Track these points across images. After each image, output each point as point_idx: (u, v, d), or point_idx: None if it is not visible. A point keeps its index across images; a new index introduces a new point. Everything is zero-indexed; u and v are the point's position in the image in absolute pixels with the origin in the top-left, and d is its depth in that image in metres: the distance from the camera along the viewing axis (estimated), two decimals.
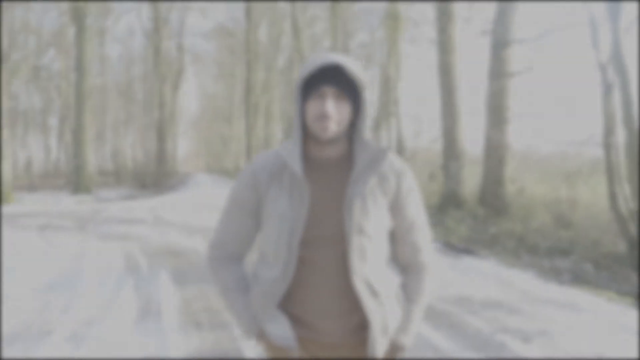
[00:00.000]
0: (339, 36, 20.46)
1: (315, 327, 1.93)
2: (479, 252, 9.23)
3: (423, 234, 2.02)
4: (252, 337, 2.00)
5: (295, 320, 1.94)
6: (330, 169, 1.93)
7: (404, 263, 2.05)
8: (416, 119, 17.55)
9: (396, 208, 1.96)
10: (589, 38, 8.60)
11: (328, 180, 1.91)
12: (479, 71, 15.84)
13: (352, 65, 1.85)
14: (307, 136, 1.94)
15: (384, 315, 1.90)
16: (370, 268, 1.89)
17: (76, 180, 25.05)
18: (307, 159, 1.95)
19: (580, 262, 8.16)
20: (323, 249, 1.87)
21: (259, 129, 30.94)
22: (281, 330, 1.91)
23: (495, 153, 12.73)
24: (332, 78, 1.84)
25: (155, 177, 31.38)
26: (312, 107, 1.86)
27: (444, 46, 14.33)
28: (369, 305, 1.87)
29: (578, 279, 7.33)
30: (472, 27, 20.83)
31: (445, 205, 13.95)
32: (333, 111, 1.84)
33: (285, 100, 30.89)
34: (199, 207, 17.92)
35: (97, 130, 46.71)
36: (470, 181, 14.32)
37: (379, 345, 1.90)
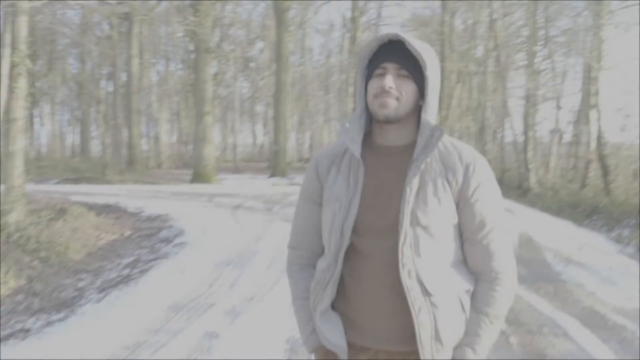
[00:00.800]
0: (537, 23, 19.31)
1: (365, 329, 1.75)
2: None
3: (496, 237, 1.73)
4: (309, 351, 1.86)
5: (347, 321, 1.78)
6: (393, 156, 1.77)
7: (475, 269, 1.77)
8: (623, 112, 15.94)
9: (463, 204, 1.71)
10: None
11: (389, 167, 1.75)
12: None
13: (415, 42, 1.70)
14: (373, 122, 1.81)
15: (435, 317, 1.66)
16: (425, 264, 1.67)
17: (274, 165, 26.49)
18: (370, 145, 1.81)
19: None
20: (377, 239, 1.71)
21: (452, 120, 30.34)
22: (333, 334, 1.76)
23: None
24: (394, 55, 1.72)
25: None
26: (373, 84, 1.73)
27: None
28: (418, 302, 1.65)
29: None
30: None
31: None
32: (392, 86, 1.69)
33: (478, 90, 29.86)
34: None
35: (299, 118, 49.08)
36: None
37: (429, 350, 1.66)
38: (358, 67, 1.80)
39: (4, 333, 5.08)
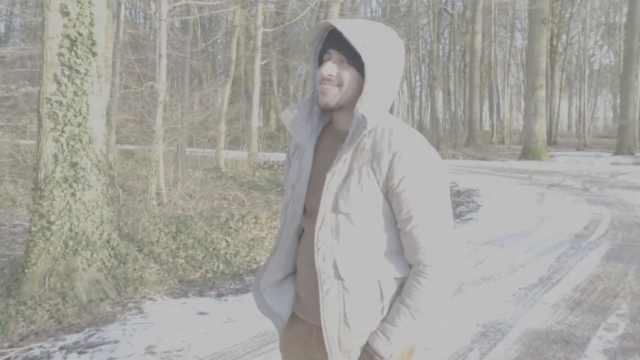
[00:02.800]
0: None
1: (302, 303, 1.83)
2: None
3: (425, 229, 1.64)
4: None
5: (296, 294, 1.88)
6: (341, 141, 1.73)
7: (408, 260, 1.70)
8: None
9: (391, 194, 1.65)
10: None
11: (333, 152, 1.74)
12: None
13: (356, 28, 1.64)
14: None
15: (344, 301, 1.66)
16: (344, 250, 1.67)
17: (620, 141, 24.07)
18: (330, 130, 1.83)
19: None
20: (314, 221, 1.72)
21: None
22: (277, 303, 1.88)
23: None
24: (338, 42, 1.67)
25: None
26: (319, 71, 1.71)
27: None
28: (327, 284, 1.67)
29: None
30: None
31: None
32: (332, 73, 1.67)
33: None
34: None
35: None
36: None
37: (334, 330, 1.67)
38: (310, 52, 1.81)
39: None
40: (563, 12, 35.89)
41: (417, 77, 45.40)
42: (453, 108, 35.31)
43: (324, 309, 1.67)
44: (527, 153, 21.27)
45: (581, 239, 7.44)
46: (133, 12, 32.80)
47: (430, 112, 40.95)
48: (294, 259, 1.87)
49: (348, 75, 1.68)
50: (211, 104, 16.72)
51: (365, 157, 1.66)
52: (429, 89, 40.92)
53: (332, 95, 1.69)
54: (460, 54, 38.83)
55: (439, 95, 34.03)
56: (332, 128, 1.83)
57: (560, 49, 37.49)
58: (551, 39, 35.06)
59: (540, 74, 20.91)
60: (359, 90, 1.69)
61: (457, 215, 10.01)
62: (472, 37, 29.05)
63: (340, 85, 1.68)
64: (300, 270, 1.84)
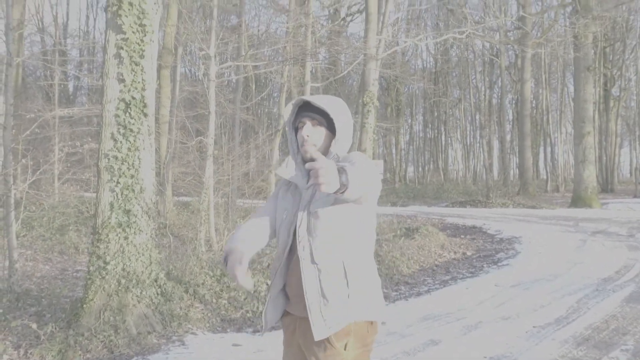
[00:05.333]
0: None
1: (290, 302, 2.40)
2: None
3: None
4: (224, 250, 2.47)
5: (287, 297, 2.44)
6: None
7: None
8: None
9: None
10: None
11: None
12: None
13: (322, 100, 2.34)
14: None
15: (320, 279, 2.25)
16: (316, 241, 2.27)
17: None
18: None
19: None
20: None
21: None
22: (272, 313, 2.44)
23: None
24: (309, 110, 2.38)
25: None
26: (299, 134, 2.41)
27: None
28: (306, 268, 2.26)
29: None
30: None
31: None
32: (309, 133, 2.37)
33: None
34: None
35: None
36: None
37: (317, 304, 2.23)
38: (286, 122, 2.49)
39: None
40: (617, 57, 35.67)
41: (471, 127, 45.69)
42: (504, 157, 35.30)
43: (307, 288, 2.27)
44: (577, 200, 21.16)
45: (608, 282, 7.64)
46: (193, 69, 34.59)
47: (483, 161, 41.02)
48: (284, 277, 2.42)
49: (320, 134, 2.38)
50: (261, 156, 17.49)
51: None
52: (480, 138, 41.14)
53: (312, 152, 2.33)
54: (514, 102, 39.02)
55: (493, 144, 34.10)
56: None
57: (617, 94, 37.08)
58: (605, 84, 34.86)
59: (587, 121, 20.96)
60: (327, 142, 2.39)
61: (495, 262, 10.27)
62: (522, 86, 29.34)
63: (315, 144, 2.37)
64: (289, 280, 2.39)
